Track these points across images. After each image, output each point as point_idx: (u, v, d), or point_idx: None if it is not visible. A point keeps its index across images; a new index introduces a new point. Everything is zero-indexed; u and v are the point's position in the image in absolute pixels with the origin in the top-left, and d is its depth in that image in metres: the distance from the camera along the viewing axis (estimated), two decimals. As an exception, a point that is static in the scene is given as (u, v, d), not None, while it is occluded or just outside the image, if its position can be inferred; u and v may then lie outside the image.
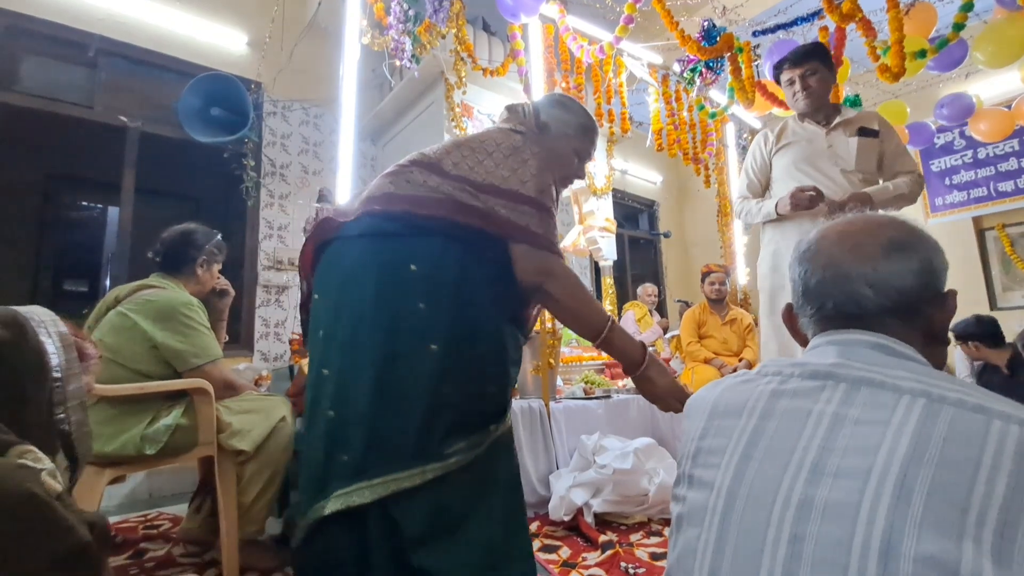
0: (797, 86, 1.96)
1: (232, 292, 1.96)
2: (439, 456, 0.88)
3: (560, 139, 1.18)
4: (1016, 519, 0.40)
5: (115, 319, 1.56)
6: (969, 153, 5.01)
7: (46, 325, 0.75)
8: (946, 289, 0.61)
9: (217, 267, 1.84)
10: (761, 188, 2.09)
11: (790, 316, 0.69)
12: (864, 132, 1.93)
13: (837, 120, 1.95)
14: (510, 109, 1.21)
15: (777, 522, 0.48)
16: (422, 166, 1.01)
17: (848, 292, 0.59)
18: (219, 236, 1.85)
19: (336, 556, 0.88)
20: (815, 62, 1.95)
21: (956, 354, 3.97)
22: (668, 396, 1.04)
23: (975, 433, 0.44)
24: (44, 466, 0.64)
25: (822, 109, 1.99)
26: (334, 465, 0.88)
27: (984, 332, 2.98)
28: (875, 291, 0.58)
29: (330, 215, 1.05)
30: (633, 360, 1.05)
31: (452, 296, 0.93)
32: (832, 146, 1.92)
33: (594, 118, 1.26)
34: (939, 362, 0.60)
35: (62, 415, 0.75)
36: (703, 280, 3.71)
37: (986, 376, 2.97)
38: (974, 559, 0.39)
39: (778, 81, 2.06)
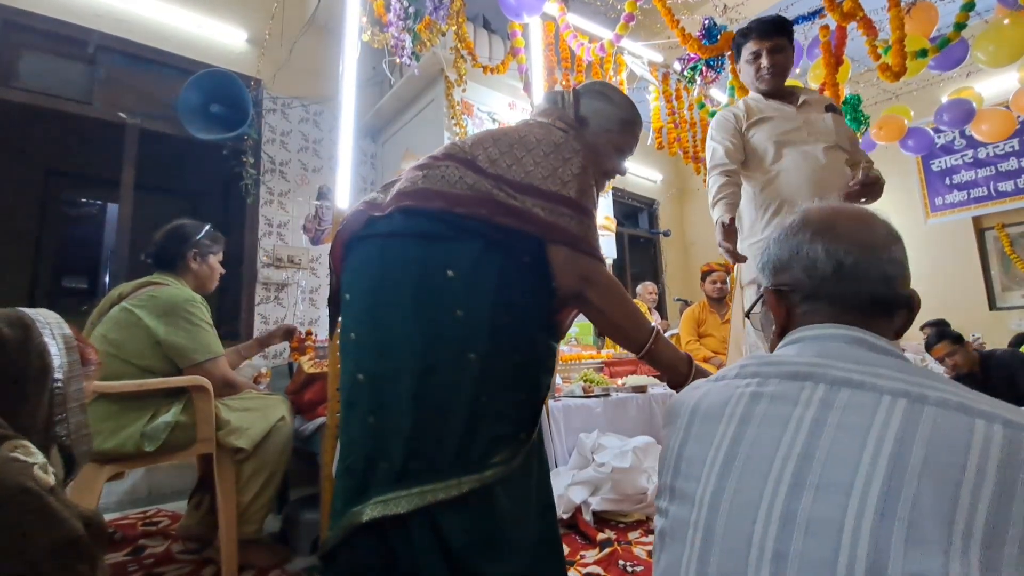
0: (764, 61, 1.79)
1: (296, 330, 2.04)
2: (477, 468, 0.86)
3: (600, 134, 1.12)
4: (1003, 531, 0.38)
5: (119, 315, 1.57)
6: (969, 153, 5.01)
7: (51, 327, 0.76)
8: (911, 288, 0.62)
9: (215, 258, 1.82)
10: (741, 157, 1.79)
11: (784, 300, 0.63)
12: (833, 108, 1.83)
13: (802, 99, 1.83)
14: (549, 99, 1.16)
15: (759, 539, 0.46)
16: (457, 161, 0.95)
17: (881, 274, 0.58)
18: (208, 227, 1.83)
19: (369, 562, 0.85)
20: (783, 38, 1.80)
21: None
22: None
23: (958, 436, 0.42)
24: (36, 460, 0.65)
25: (783, 90, 1.86)
26: (375, 472, 0.86)
27: (953, 335, 2.96)
28: (898, 276, 0.58)
29: (361, 208, 1.01)
30: (679, 373, 1.00)
31: (491, 304, 0.90)
32: (808, 122, 1.77)
33: (637, 109, 1.19)
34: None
35: (62, 416, 0.75)
36: (703, 279, 3.71)
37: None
38: (962, 574, 0.38)
39: (738, 52, 1.88)
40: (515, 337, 0.92)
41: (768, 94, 1.85)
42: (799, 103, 1.82)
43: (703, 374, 1.00)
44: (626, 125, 1.15)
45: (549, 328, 1.02)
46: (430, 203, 0.92)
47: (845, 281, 0.58)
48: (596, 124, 1.13)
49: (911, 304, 0.59)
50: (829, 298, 0.59)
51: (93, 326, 1.61)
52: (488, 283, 0.90)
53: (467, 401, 0.87)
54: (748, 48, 1.83)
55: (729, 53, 2.97)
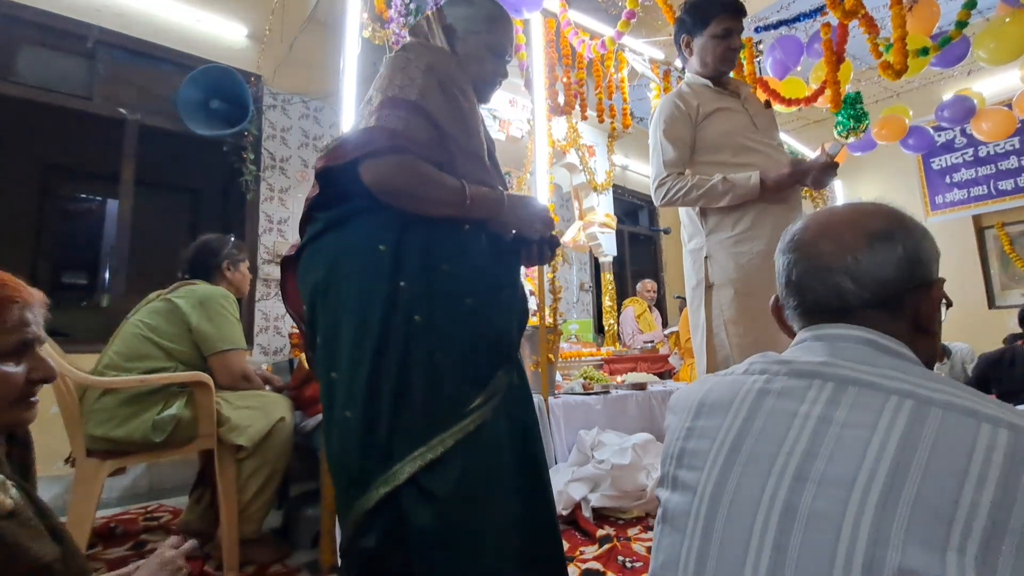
0: (734, 41, 1.59)
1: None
2: (456, 419, 0.88)
3: (469, 39, 1.10)
4: (1001, 530, 0.39)
5: (159, 304, 1.68)
6: (970, 151, 5.01)
7: None
8: (936, 278, 0.59)
9: (244, 265, 1.93)
10: (687, 159, 1.63)
11: (777, 308, 0.68)
12: (769, 105, 1.75)
13: (743, 93, 1.69)
14: (411, 30, 1.14)
15: (760, 530, 0.47)
16: None
17: (830, 285, 0.58)
18: (232, 238, 1.93)
19: (390, 540, 0.87)
20: (743, 18, 1.62)
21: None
22: (532, 223, 1.07)
23: (963, 438, 0.42)
24: None
25: (727, 79, 1.70)
26: (369, 460, 0.88)
27: None
28: (856, 284, 0.57)
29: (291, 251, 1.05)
30: (496, 210, 1.02)
31: (423, 266, 0.93)
32: (755, 119, 1.64)
33: (503, 7, 1.15)
34: (929, 354, 0.59)
35: None
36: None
37: (1009, 358, 2.88)
38: (957, 573, 0.38)
39: (699, 24, 1.61)
40: (460, 283, 0.95)
41: (716, 81, 1.66)
42: (743, 98, 1.68)
43: (515, 197, 1.05)
44: (491, 22, 1.12)
45: (500, 257, 1.05)
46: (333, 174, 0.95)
47: (795, 290, 0.62)
48: (463, 29, 1.10)
49: (902, 300, 0.57)
50: (792, 306, 0.63)
51: (128, 321, 1.69)
52: (414, 245, 0.93)
53: (424, 362, 0.89)
54: (720, 23, 1.58)
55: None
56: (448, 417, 0.89)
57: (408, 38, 1.14)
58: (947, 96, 4.18)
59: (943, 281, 0.60)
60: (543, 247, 1.12)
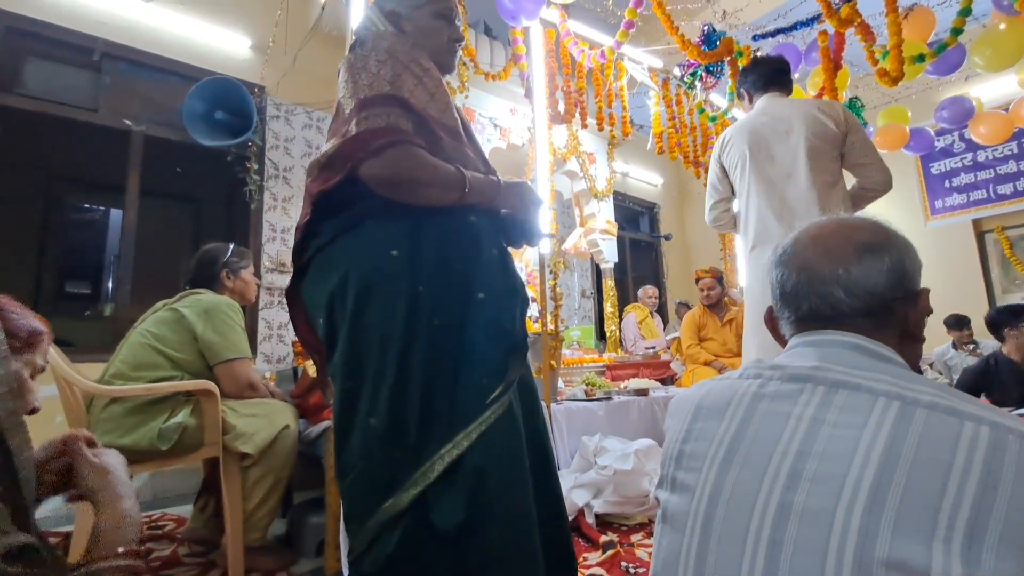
0: None
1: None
2: (478, 412, 0.89)
3: (415, 15, 1.09)
4: (985, 519, 0.40)
5: (165, 314, 1.69)
6: (969, 156, 5.03)
7: None
8: (920, 288, 0.63)
9: (247, 272, 1.93)
10: None
11: (771, 318, 0.71)
12: None
13: None
14: (356, 31, 1.12)
15: (756, 528, 0.49)
16: None
17: (822, 295, 0.61)
18: (233, 245, 1.94)
19: (414, 539, 0.85)
20: None
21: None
22: (526, 207, 1.08)
23: (947, 435, 0.44)
24: None
25: None
26: (397, 464, 0.86)
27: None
28: (848, 294, 0.60)
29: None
30: (492, 194, 1.02)
31: (438, 267, 0.92)
32: None
33: None
34: (914, 360, 0.62)
35: None
36: (697, 284, 3.74)
37: (995, 367, 2.89)
38: (944, 562, 0.40)
39: (761, 89, 2.09)
40: (474, 280, 0.95)
41: None
42: None
43: (511, 184, 1.05)
44: None
45: (504, 232, 1.05)
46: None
47: (789, 301, 0.65)
48: (407, 7, 1.09)
49: (890, 308, 0.60)
50: (787, 316, 0.66)
51: (134, 331, 1.70)
52: (428, 247, 0.92)
53: (445, 362, 0.90)
54: None
55: (728, 59, 3.00)
56: (471, 411, 0.88)
57: (355, 39, 1.13)
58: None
59: (928, 291, 0.63)
60: (531, 227, 1.12)
